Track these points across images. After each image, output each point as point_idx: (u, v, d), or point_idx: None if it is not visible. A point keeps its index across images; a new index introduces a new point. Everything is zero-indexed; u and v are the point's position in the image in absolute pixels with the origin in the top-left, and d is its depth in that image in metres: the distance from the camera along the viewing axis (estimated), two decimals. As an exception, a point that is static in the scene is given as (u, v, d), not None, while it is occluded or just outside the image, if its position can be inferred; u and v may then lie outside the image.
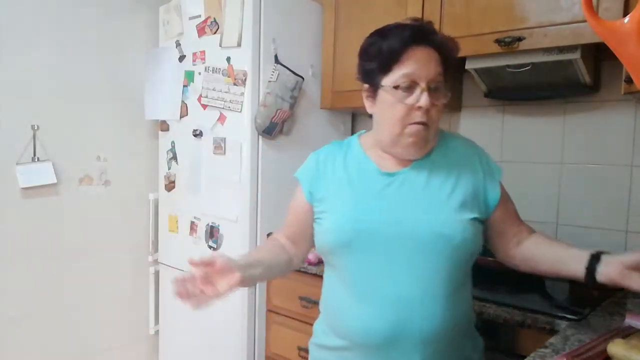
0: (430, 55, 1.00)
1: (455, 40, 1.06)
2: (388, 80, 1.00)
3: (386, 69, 1.01)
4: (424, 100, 0.97)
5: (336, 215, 1.05)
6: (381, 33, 1.03)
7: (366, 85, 1.07)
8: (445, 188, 1.02)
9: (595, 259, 0.95)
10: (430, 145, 1.06)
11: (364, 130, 1.17)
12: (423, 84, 0.98)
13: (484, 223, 1.07)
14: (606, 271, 0.92)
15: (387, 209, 1.01)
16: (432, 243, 0.98)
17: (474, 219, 1.02)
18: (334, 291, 1.10)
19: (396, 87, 0.99)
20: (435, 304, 0.98)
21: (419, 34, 1.00)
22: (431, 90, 0.99)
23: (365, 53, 1.04)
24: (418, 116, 0.99)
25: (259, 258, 1.14)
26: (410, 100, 0.99)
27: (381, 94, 1.03)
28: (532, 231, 1.13)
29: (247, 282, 1.05)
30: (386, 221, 1.00)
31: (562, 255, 1.03)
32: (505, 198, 1.09)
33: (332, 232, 1.04)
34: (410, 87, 0.99)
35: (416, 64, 0.99)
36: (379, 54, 1.01)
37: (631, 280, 0.89)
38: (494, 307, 1.33)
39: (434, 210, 1.00)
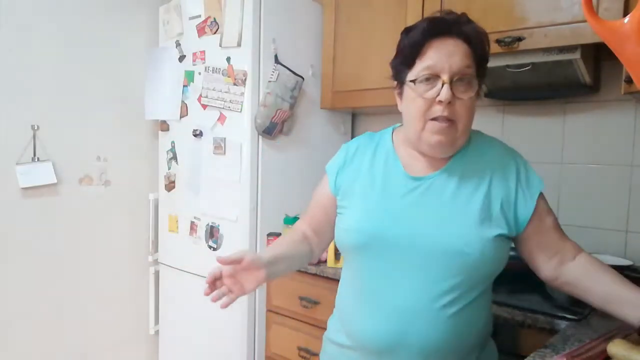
0: (455, 47, 0.94)
1: (485, 31, 0.99)
2: (411, 75, 0.97)
3: (410, 63, 0.98)
4: (444, 93, 0.93)
5: (355, 215, 1.03)
6: (408, 28, 1.00)
7: (395, 83, 1.04)
8: (472, 199, 0.97)
9: None
10: (459, 143, 1.00)
11: (399, 124, 1.12)
12: (445, 77, 0.93)
13: (512, 239, 1.02)
14: None
15: (407, 217, 0.98)
16: (447, 258, 0.93)
17: (499, 235, 0.96)
18: (346, 289, 1.09)
19: (415, 81, 0.96)
20: (439, 319, 0.94)
21: (441, 25, 0.96)
22: (456, 84, 0.94)
23: (396, 50, 1.02)
24: (439, 110, 0.94)
25: (283, 252, 1.13)
26: (430, 93, 0.95)
27: (406, 89, 1.00)
28: (578, 251, 1.04)
29: (271, 278, 1.06)
30: (404, 229, 0.97)
31: (613, 294, 0.96)
32: (542, 213, 1.02)
33: (349, 232, 1.03)
34: (432, 80, 0.95)
35: (438, 56, 0.94)
36: (403, 49, 0.99)
37: None
38: (494, 307, 1.33)
39: (455, 224, 0.95)
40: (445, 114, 0.94)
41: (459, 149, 1.02)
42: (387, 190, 1.02)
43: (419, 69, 0.96)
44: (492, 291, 1.09)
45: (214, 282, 1.00)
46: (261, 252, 1.11)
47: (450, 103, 0.94)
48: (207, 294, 1.00)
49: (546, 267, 1.04)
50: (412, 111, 0.99)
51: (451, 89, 0.93)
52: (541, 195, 1.02)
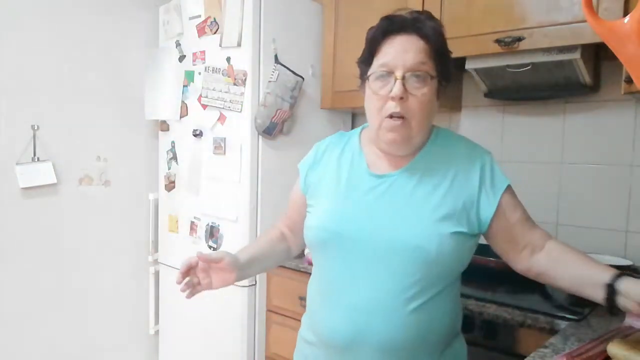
0: (410, 43, 0.95)
1: (443, 30, 1.00)
2: (369, 72, 0.99)
3: (369, 60, 1.00)
4: (395, 89, 0.93)
5: (319, 213, 1.05)
6: (371, 27, 1.02)
7: (360, 81, 1.05)
8: (432, 197, 0.97)
9: (612, 289, 0.90)
10: (415, 141, 1.00)
11: (368, 124, 1.12)
12: (399, 73, 0.94)
13: (475, 237, 1.01)
14: (624, 304, 0.88)
15: (367, 214, 0.98)
16: (406, 254, 0.93)
17: (457, 232, 0.96)
18: (312, 286, 1.11)
19: (370, 77, 0.98)
20: (398, 316, 0.94)
21: (399, 22, 0.97)
22: (410, 80, 0.94)
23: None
24: (392, 107, 0.94)
25: (260, 252, 1.19)
26: (384, 90, 0.95)
27: (366, 88, 1.01)
28: (546, 239, 1.03)
29: (239, 279, 1.12)
30: (364, 226, 0.97)
31: (578, 277, 0.97)
32: (506, 210, 1.01)
33: (312, 229, 1.04)
34: (387, 77, 0.96)
35: (393, 53, 0.95)
36: (364, 48, 1.01)
37: None
38: (494, 307, 1.33)
39: (414, 221, 0.95)
40: (398, 110, 0.94)
41: (418, 146, 1.03)
42: (350, 188, 1.03)
43: (375, 66, 0.98)
44: (460, 289, 1.09)
45: (188, 272, 1.06)
46: (240, 252, 1.14)
47: (403, 99, 0.94)
48: (179, 283, 1.07)
49: (518, 260, 1.04)
50: (369, 108, 1.00)
51: (404, 85, 0.94)
52: (507, 191, 1.01)
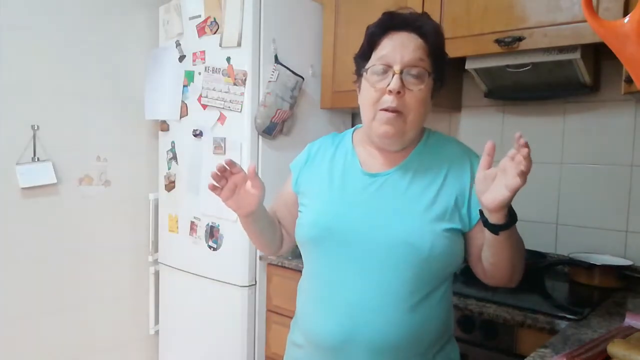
0: (409, 40, 0.97)
1: (442, 30, 1.02)
2: (368, 65, 1.00)
3: (367, 55, 1.01)
4: (393, 83, 0.94)
5: (312, 210, 1.05)
6: (371, 24, 1.03)
7: (355, 77, 1.06)
8: (425, 195, 0.98)
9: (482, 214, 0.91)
10: (408, 136, 1.00)
11: (360, 125, 1.13)
12: (397, 67, 0.95)
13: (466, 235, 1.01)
14: (482, 203, 0.88)
15: (360, 212, 0.98)
16: (399, 252, 0.93)
17: (451, 229, 0.96)
18: (301, 286, 1.10)
19: (368, 70, 0.99)
20: (390, 315, 0.93)
21: (399, 19, 0.99)
22: (408, 75, 0.96)
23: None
24: (389, 100, 0.95)
25: (268, 215, 1.20)
26: (382, 84, 0.97)
27: (362, 81, 1.02)
28: None
29: (252, 221, 1.14)
30: (356, 224, 0.97)
31: (485, 248, 0.97)
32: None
33: (304, 226, 1.04)
34: (385, 71, 0.97)
35: (391, 47, 0.97)
36: (363, 43, 1.02)
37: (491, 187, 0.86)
38: (494, 307, 1.33)
39: (407, 218, 0.96)
40: (394, 104, 0.95)
41: (410, 142, 1.03)
42: (344, 187, 1.03)
43: (373, 60, 0.99)
44: (451, 292, 1.07)
45: (224, 172, 1.06)
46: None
47: (400, 94, 0.95)
48: (215, 178, 1.06)
49: (479, 266, 1.03)
50: (364, 101, 1.01)
51: (402, 80, 0.95)
52: None
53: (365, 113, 1.01)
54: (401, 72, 0.95)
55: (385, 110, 0.96)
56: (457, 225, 0.97)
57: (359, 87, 1.05)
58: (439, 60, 1.00)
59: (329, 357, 0.99)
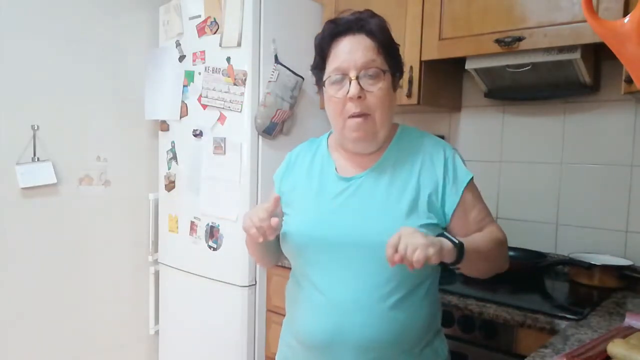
0: (358, 43, 0.98)
1: (386, 23, 1.02)
2: (324, 77, 1.02)
3: (321, 66, 1.03)
4: (352, 89, 0.96)
5: (294, 219, 1.07)
6: (318, 34, 1.05)
7: (316, 88, 1.09)
8: (399, 194, 0.99)
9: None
10: (381, 135, 1.02)
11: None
12: (352, 74, 0.97)
13: (445, 229, 1.01)
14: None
15: (338, 216, 1.01)
16: (377, 251, 0.92)
17: (427, 225, 0.97)
18: (289, 290, 1.13)
19: (326, 82, 1.00)
20: (373, 313, 0.95)
21: (342, 24, 1.00)
22: (365, 78, 0.97)
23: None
24: (352, 107, 0.98)
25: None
26: (341, 92, 0.98)
27: (324, 92, 1.04)
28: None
29: (264, 243, 1.04)
30: (335, 229, 0.99)
31: None
32: (467, 206, 1.02)
33: (287, 235, 1.06)
34: (342, 80, 0.98)
35: (342, 55, 0.98)
36: (315, 55, 1.04)
37: None
38: (494, 307, 1.33)
39: (383, 218, 0.97)
40: (359, 110, 0.98)
41: (384, 140, 1.05)
42: (321, 193, 1.05)
43: (328, 71, 1.01)
44: (437, 286, 1.08)
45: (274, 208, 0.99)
46: None
47: (361, 98, 0.97)
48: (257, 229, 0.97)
49: None
50: (330, 112, 1.03)
51: (359, 84, 0.97)
52: (469, 187, 1.02)
53: (334, 123, 1.04)
54: (357, 77, 0.97)
55: (352, 116, 0.98)
56: (433, 220, 0.99)
57: (322, 97, 1.06)
58: (391, 54, 1.02)
59: (317, 356, 1.01)
